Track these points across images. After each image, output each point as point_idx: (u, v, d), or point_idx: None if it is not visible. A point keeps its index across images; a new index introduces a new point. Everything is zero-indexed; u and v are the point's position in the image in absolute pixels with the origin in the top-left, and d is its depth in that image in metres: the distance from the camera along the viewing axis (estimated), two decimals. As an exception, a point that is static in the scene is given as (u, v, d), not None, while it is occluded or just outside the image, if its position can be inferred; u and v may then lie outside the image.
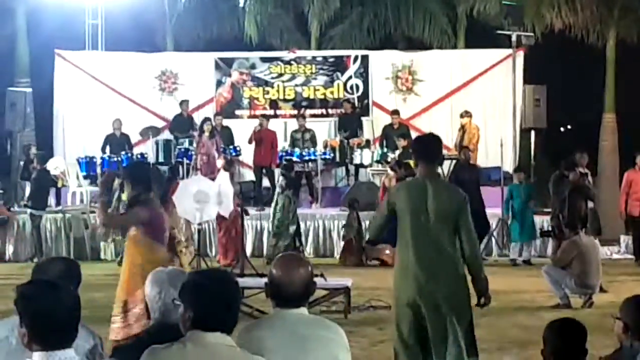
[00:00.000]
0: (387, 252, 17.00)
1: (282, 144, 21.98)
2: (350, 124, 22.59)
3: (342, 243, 19.14)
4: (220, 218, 17.13)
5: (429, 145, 7.50)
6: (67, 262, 5.72)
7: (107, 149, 21.78)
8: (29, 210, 19.34)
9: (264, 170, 21.42)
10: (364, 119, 23.17)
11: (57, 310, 3.85)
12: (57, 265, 5.56)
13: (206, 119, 21.44)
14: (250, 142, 21.29)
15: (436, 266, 7.09)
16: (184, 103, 22.72)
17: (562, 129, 35.44)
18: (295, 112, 23.34)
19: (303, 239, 19.21)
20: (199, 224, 16.26)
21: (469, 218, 7.14)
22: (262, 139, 21.09)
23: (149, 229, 8.10)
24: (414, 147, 7.73)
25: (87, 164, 21.32)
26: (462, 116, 21.51)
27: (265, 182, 21.57)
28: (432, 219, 7.09)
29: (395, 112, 22.46)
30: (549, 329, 5.54)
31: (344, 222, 19.02)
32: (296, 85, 24.03)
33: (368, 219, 19.52)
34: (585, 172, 17.37)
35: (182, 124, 22.41)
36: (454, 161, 19.74)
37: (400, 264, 7.27)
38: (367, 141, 22.28)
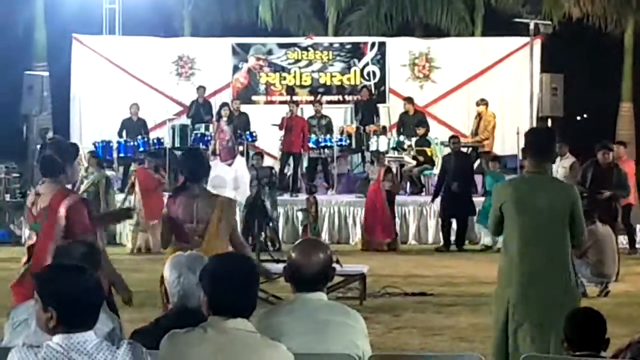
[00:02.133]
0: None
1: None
2: (366, 110, 22.57)
3: (358, 230, 19.19)
4: None
5: (541, 140, 6.99)
6: (88, 246, 5.76)
7: (124, 133, 21.80)
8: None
9: (291, 157, 21.30)
10: (380, 105, 23.14)
11: (83, 292, 3.88)
12: (78, 248, 5.61)
13: (224, 104, 21.44)
14: (280, 128, 21.19)
15: (543, 271, 6.53)
16: (200, 89, 22.73)
17: (578, 117, 35.32)
18: (312, 98, 23.33)
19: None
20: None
21: (581, 212, 6.65)
22: (293, 125, 20.96)
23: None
24: (526, 140, 7.00)
25: (104, 148, 21.32)
26: (477, 104, 21.49)
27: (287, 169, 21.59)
28: (543, 218, 6.57)
29: (408, 99, 22.43)
30: (569, 320, 5.54)
31: (360, 208, 19.01)
32: (313, 72, 24.00)
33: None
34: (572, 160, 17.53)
35: (199, 109, 22.43)
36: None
37: (505, 262, 6.88)
38: (384, 128, 22.24)
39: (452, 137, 19.91)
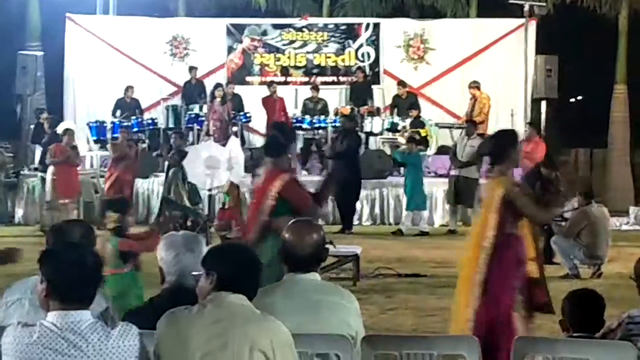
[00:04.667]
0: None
1: (293, 111, 21.98)
2: (361, 92, 22.55)
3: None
4: None
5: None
6: (85, 225, 5.81)
7: (117, 112, 21.77)
8: (39, 174, 19.37)
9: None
10: (374, 87, 23.11)
11: (80, 267, 3.93)
12: (76, 227, 5.65)
13: (218, 85, 21.39)
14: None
15: None
16: (192, 70, 22.70)
17: (572, 99, 35.34)
18: (306, 79, 23.31)
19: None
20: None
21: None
22: (273, 107, 21.02)
23: None
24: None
25: (98, 129, 21.31)
26: (470, 87, 21.46)
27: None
28: None
29: (401, 83, 22.42)
30: (568, 300, 5.57)
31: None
32: (307, 53, 23.96)
33: (377, 188, 19.59)
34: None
35: (192, 90, 22.41)
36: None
37: None
38: (378, 109, 22.24)
39: (342, 115, 19.95)
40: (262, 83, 23.51)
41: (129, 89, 21.93)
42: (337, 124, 21.39)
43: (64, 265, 3.96)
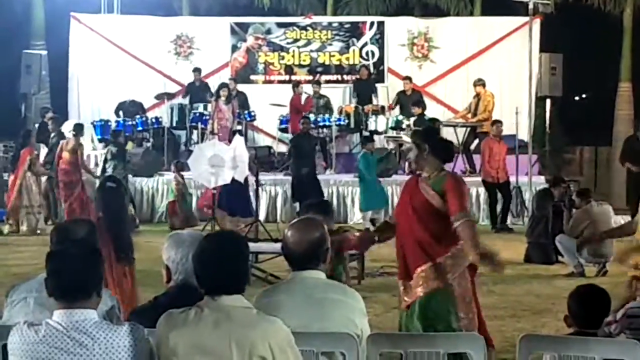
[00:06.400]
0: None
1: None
2: (365, 90, 22.56)
3: (356, 209, 19.22)
4: None
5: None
6: (90, 224, 5.82)
7: (120, 113, 21.86)
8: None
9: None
10: (379, 85, 23.11)
11: (82, 265, 3.95)
12: (81, 226, 5.67)
13: (223, 84, 21.40)
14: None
15: None
16: (196, 71, 22.71)
17: (577, 97, 35.32)
18: (311, 77, 23.32)
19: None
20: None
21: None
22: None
23: None
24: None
25: (102, 127, 21.33)
26: (475, 85, 21.44)
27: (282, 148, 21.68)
28: None
29: (407, 78, 22.45)
30: (572, 296, 5.57)
31: (358, 188, 18.96)
32: (311, 51, 23.96)
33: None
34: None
35: (196, 91, 22.43)
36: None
37: None
38: (382, 107, 22.22)
39: (302, 117, 19.80)
40: (267, 82, 23.55)
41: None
42: (342, 123, 21.45)
43: (66, 263, 3.97)
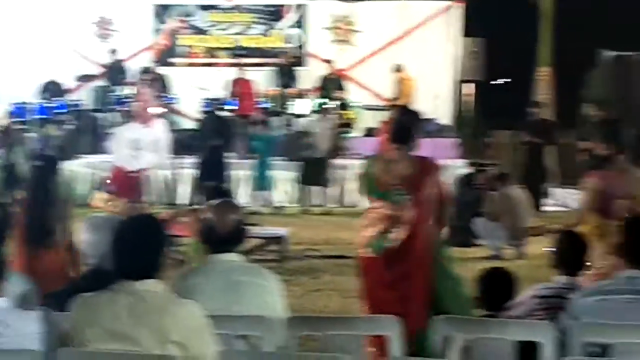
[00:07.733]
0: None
1: (221, 93, 21.89)
2: (287, 74, 22.56)
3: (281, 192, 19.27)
4: None
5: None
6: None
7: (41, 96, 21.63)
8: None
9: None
10: (301, 69, 23.10)
11: None
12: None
13: (145, 68, 21.23)
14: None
15: None
16: (114, 52, 22.53)
17: (499, 81, 35.62)
18: (233, 61, 23.23)
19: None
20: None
21: None
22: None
23: None
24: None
25: (19, 110, 20.99)
26: (394, 70, 21.55)
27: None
28: None
29: (327, 61, 22.50)
30: (479, 280, 5.66)
31: (284, 172, 18.96)
32: (233, 34, 23.85)
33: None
34: None
35: (115, 72, 22.22)
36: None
37: None
38: (305, 91, 22.24)
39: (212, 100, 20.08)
40: (189, 65, 23.41)
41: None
42: (267, 106, 21.42)
43: None
